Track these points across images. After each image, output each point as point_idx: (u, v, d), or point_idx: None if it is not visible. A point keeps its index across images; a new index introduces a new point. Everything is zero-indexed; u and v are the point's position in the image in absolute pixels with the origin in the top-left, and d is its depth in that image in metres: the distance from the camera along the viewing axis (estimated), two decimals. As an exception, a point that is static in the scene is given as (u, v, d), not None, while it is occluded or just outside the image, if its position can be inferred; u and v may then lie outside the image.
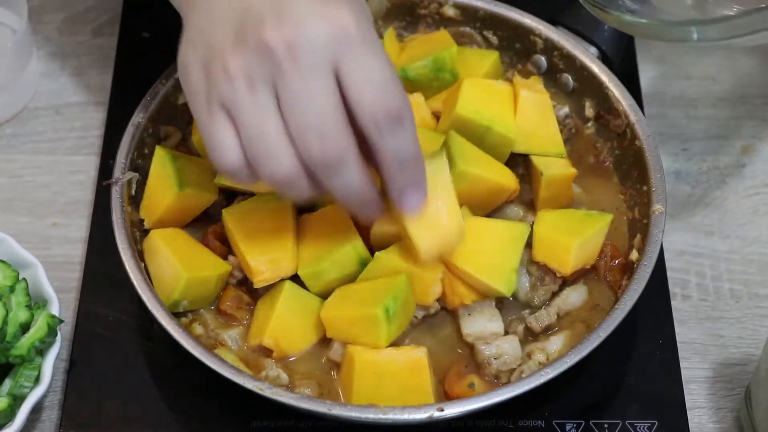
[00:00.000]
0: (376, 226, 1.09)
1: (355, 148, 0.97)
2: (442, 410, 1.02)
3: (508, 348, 1.09)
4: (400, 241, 1.08)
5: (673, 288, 1.22)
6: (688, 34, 1.07)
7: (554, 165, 1.18)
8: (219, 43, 0.97)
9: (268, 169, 0.96)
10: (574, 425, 1.12)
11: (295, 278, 1.11)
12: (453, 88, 1.21)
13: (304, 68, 0.93)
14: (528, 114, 1.19)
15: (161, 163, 1.15)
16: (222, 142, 0.97)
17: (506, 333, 1.11)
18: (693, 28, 1.07)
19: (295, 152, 0.96)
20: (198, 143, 1.20)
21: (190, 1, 1.02)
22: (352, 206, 1.02)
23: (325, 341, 1.11)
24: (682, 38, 1.08)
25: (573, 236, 1.12)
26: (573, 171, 1.19)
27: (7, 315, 1.08)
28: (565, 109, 1.25)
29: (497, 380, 1.09)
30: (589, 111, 1.26)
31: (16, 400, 1.08)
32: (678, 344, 1.17)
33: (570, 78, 1.26)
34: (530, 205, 1.19)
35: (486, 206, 1.16)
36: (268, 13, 0.95)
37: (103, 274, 1.20)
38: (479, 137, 1.16)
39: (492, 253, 1.10)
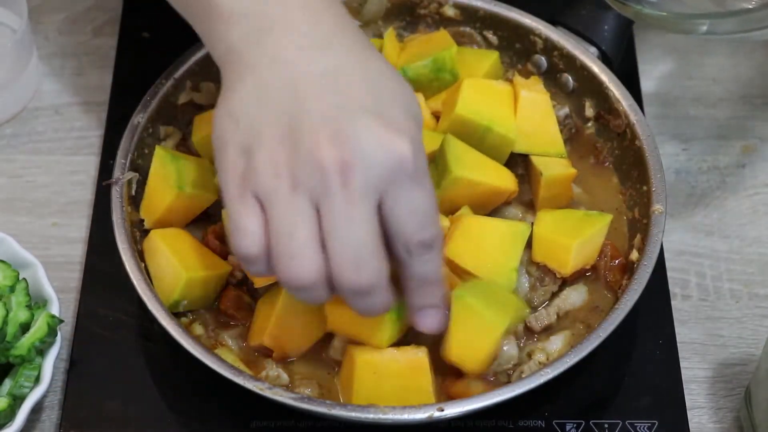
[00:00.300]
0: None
1: (386, 276, 0.96)
2: (442, 410, 1.02)
3: (505, 348, 1.09)
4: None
5: (673, 288, 1.22)
6: (704, 27, 1.07)
7: (554, 165, 1.18)
8: (267, 135, 0.94)
9: (289, 270, 0.94)
10: (574, 425, 1.12)
11: (295, 278, 1.11)
12: (453, 88, 1.21)
13: (354, 194, 0.92)
14: (528, 114, 1.19)
15: (161, 163, 1.15)
16: (247, 227, 0.94)
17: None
18: (710, 21, 1.07)
19: (320, 258, 0.94)
20: (198, 143, 1.20)
21: (237, 66, 0.98)
22: (364, 316, 1.01)
23: (325, 341, 1.11)
24: (699, 31, 1.08)
25: (573, 236, 1.12)
26: (573, 171, 1.19)
27: (7, 315, 1.08)
28: (565, 109, 1.25)
29: (494, 378, 1.09)
30: (589, 111, 1.26)
31: (16, 400, 1.08)
32: (678, 344, 1.17)
33: (570, 78, 1.26)
34: (530, 206, 1.19)
35: (484, 208, 1.16)
36: (325, 127, 0.93)
37: (103, 274, 1.20)
38: (479, 138, 1.16)
39: (492, 251, 1.10)
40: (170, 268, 1.10)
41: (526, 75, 1.27)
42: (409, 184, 0.94)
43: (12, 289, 1.11)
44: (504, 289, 1.10)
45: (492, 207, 1.16)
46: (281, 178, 0.93)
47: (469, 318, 1.06)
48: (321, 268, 0.94)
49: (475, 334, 1.06)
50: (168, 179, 1.14)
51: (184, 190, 1.14)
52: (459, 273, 1.10)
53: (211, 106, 1.24)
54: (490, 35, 1.30)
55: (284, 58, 0.96)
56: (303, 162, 0.92)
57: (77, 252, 1.24)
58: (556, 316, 1.12)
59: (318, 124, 0.93)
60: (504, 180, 1.15)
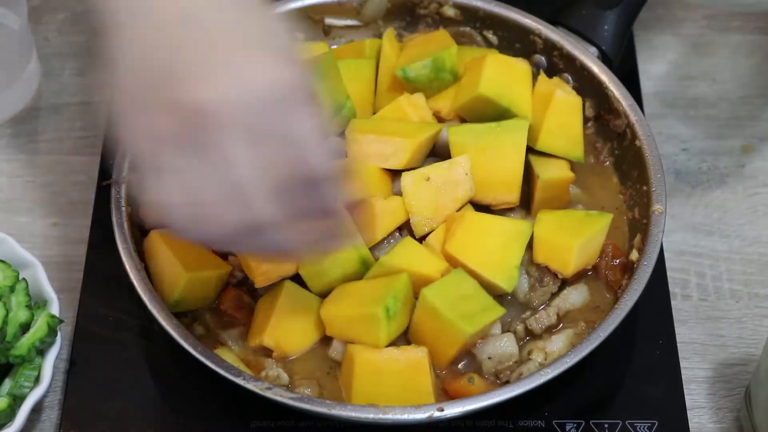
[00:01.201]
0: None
1: (279, 214, 0.92)
2: (442, 410, 1.02)
3: (503, 346, 1.09)
4: None
5: (673, 288, 1.22)
6: None
7: (552, 168, 1.18)
8: (141, 102, 0.91)
9: (210, 233, 0.93)
10: (574, 425, 1.12)
11: (296, 278, 1.11)
12: (473, 62, 1.21)
13: (238, 133, 0.88)
14: (558, 114, 1.19)
15: None
16: (162, 203, 0.92)
17: (506, 331, 1.11)
18: None
19: (235, 215, 0.91)
20: None
21: (107, 29, 0.95)
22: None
23: (325, 341, 1.11)
24: None
25: (574, 237, 1.12)
26: (570, 175, 1.19)
27: (7, 315, 1.08)
28: (566, 109, 1.25)
29: (496, 378, 1.09)
30: (589, 111, 1.26)
31: (16, 400, 1.08)
32: (678, 344, 1.17)
33: (570, 78, 1.26)
34: (528, 206, 1.19)
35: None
36: (196, 74, 0.89)
37: (103, 274, 1.20)
38: (495, 117, 1.17)
39: (494, 249, 1.10)
40: (170, 268, 1.10)
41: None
42: (294, 112, 0.89)
43: (12, 289, 1.11)
44: (481, 287, 1.10)
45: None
46: (165, 142, 0.89)
47: (432, 321, 1.07)
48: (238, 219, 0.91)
49: (437, 338, 1.07)
50: None
51: None
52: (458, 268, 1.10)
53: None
54: (490, 35, 1.30)
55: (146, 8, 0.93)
56: (180, 119, 0.88)
57: (77, 252, 1.24)
58: (556, 317, 1.12)
59: (186, 72, 0.89)
60: (504, 195, 1.16)
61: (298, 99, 0.90)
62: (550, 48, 1.27)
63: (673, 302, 1.20)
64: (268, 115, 0.89)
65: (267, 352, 1.10)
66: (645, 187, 1.17)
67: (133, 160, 0.94)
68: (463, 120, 1.21)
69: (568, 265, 1.12)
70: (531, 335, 1.12)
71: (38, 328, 1.10)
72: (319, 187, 0.93)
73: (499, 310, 1.09)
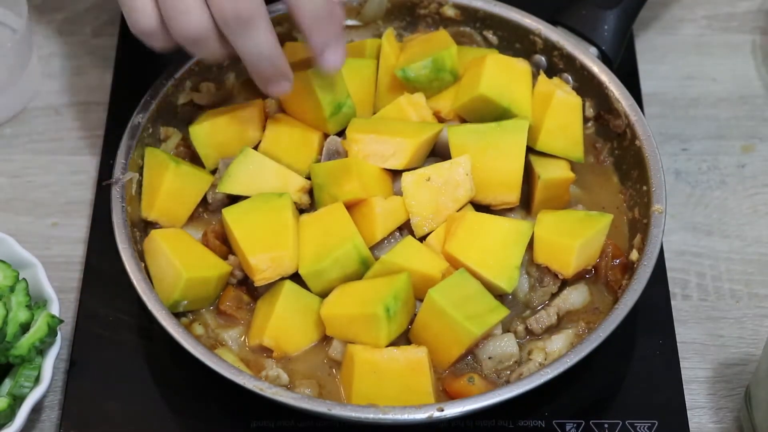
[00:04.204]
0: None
1: (265, 11, 1.05)
2: (442, 410, 1.02)
3: (504, 346, 1.09)
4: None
5: (673, 288, 1.22)
6: None
7: (552, 168, 1.18)
8: None
9: (179, 26, 1.04)
10: (574, 425, 1.12)
11: (295, 278, 1.11)
12: (473, 62, 1.21)
13: None
14: (558, 115, 1.19)
15: (153, 155, 1.18)
16: (137, 3, 1.05)
17: (506, 331, 1.11)
18: None
19: (207, 10, 1.03)
20: (195, 137, 1.20)
21: None
22: (262, 74, 1.09)
23: (325, 340, 1.11)
24: None
25: (574, 237, 1.12)
26: (571, 175, 1.19)
27: (7, 315, 1.08)
28: (566, 109, 1.25)
29: (497, 377, 1.09)
30: (589, 111, 1.26)
31: (16, 400, 1.08)
32: (678, 344, 1.17)
33: (570, 78, 1.26)
34: (528, 206, 1.19)
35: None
36: None
37: (103, 274, 1.20)
38: (495, 117, 1.17)
39: (494, 249, 1.10)
40: (170, 269, 1.10)
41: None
42: None
43: (12, 289, 1.11)
44: (484, 288, 1.10)
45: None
46: None
47: (438, 322, 1.07)
48: (209, 18, 1.05)
49: (442, 338, 1.07)
50: (163, 162, 1.16)
51: (180, 166, 1.16)
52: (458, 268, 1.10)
53: (211, 106, 1.25)
54: (490, 35, 1.30)
55: None
56: None
57: (77, 252, 1.24)
58: (556, 317, 1.12)
59: None
60: (504, 195, 1.16)
61: None
62: (550, 48, 1.27)
63: (673, 302, 1.20)
64: None
65: (267, 352, 1.10)
66: (645, 187, 1.17)
67: None
68: (463, 120, 1.21)
69: (569, 266, 1.11)
70: (531, 335, 1.12)
71: (38, 328, 1.10)
72: None
73: (503, 311, 1.09)
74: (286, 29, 1.29)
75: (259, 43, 1.06)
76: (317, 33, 1.09)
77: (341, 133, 1.18)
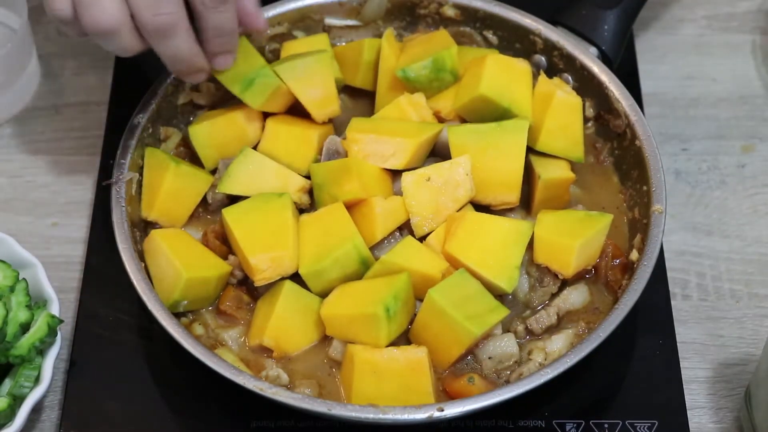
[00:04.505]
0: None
1: (185, 19, 1.05)
2: (442, 410, 1.02)
3: (504, 346, 1.09)
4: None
5: (673, 288, 1.22)
6: None
7: (553, 168, 1.18)
8: None
9: (92, 16, 1.02)
10: (574, 425, 1.12)
11: (295, 278, 1.11)
12: (473, 62, 1.21)
13: None
14: (558, 115, 1.19)
15: (153, 155, 1.18)
16: None
17: (506, 331, 1.11)
18: None
19: (121, 5, 1.02)
20: (195, 137, 1.20)
21: None
22: (180, 71, 1.10)
23: (325, 340, 1.11)
24: None
25: (575, 237, 1.12)
26: (571, 175, 1.19)
27: (7, 315, 1.08)
28: (566, 109, 1.25)
29: (497, 377, 1.09)
30: (589, 111, 1.26)
31: (16, 400, 1.08)
32: (678, 344, 1.17)
33: (570, 78, 1.26)
34: (528, 206, 1.19)
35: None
36: None
37: (103, 274, 1.20)
38: (495, 117, 1.17)
39: (494, 249, 1.10)
40: (170, 269, 1.10)
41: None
42: None
43: (12, 289, 1.11)
44: (484, 288, 1.10)
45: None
46: None
47: (438, 322, 1.07)
48: (122, 11, 1.03)
49: (442, 338, 1.07)
50: (163, 162, 1.16)
51: (180, 166, 1.16)
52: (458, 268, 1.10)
53: (211, 106, 1.25)
54: (490, 35, 1.30)
55: None
56: None
57: (77, 252, 1.24)
58: (556, 317, 1.12)
59: None
60: (504, 195, 1.16)
61: None
62: (550, 48, 1.27)
63: (673, 302, 1.20)
64: None
65: (267, 352, 1.10)
66: (645, 187, 1.17)
67: None
68: (463, 120, 1.21)
69: (569, 266, 1.11)
70: (531, 335, 1.12)
71: (38, 328, 1.10)
72: (227, 6, 1.07)
73: (503, 311, 1.09)
74: (287, 29, 1.29)
75: (178, 47, 1.07)
76: (216, 45, 1.11)
77: (341, 133, 1.18)
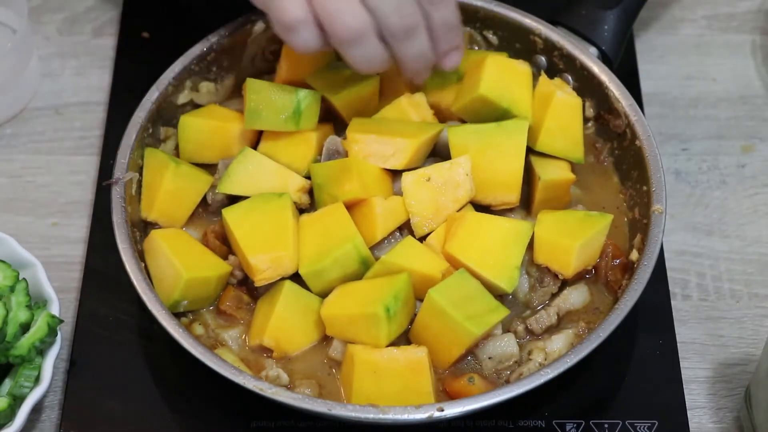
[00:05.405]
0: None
1: (424, 19, 1.07)
2: (442, 410, 1.02)
3: (504, 346, 1.09)
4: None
5: (673, 288, 1.22)
6: None
7: (553, 169, 1.18)
8: None
9: (341, 23, 1.03)
10: (574, 425, 1.12)
11: (295, 278, 1.11)
12: (473, 63, 1.21)
13: None
14: (558, 115, 1.19)
15: (153, 155, 1.17)
16: None
17: (506, 331, 1.11)
18: None
19: (366, 11, 1.04)
20: (181, 125, 1.20)
21: None
22: (416, 70, 1.12)
23: (325, 340, 1.11)
24: None
25: (574, 238, 1.12)
26: (571, 176, 1.19)
27: (7, 315, 1.08)
28: (566, 109, 1.25)
29: (497, 377, 1.09)
30: (589, 111, 1.26)
31: (16, 400, 1.08)
32: (678, 344, 1.17)
33: (570, 78, 1.26)
34: (528, 206, 1.19)
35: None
36: None
37: (103, 274, 1.20)
38: (495, 118, 1.17)
39: (494, 249, 1.10)
40: (170, 269, 1.10)
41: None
42: None
43: (12, 289, 1.11)
44: (484, 288, 1.10)
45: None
46: None
47: (438, 322, 1.07)
48: (368, 17, 1.05)
49: (442, 338, 1.07)
50: (163, 162, 1.16)
51: (180, 167, 1.16)
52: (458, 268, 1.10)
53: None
54: (490, 35, 1.30)
55: None
56: None
57: (77, 252, 1.24)
58: (556, 317, 1.12)
59: None
60: (504, 195, 1.16)
61: None
62: (550, 48, 1.26)
63: (673, 302, 1.20)
64: None
65: (267, 352, 1.10)
66: (645, 187, 1.17)
67: None
68: (463, 121, 1.21)
69: (569, 266, 1.11)
70: (531, 335, 1.12)
71: (38, 328, 1.10)
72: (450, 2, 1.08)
73: (503, 311, 1.09)
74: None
75: (422, 44, 1.10)
76: (445, 41, 1.12)
77: (341, 133, 1.18)
